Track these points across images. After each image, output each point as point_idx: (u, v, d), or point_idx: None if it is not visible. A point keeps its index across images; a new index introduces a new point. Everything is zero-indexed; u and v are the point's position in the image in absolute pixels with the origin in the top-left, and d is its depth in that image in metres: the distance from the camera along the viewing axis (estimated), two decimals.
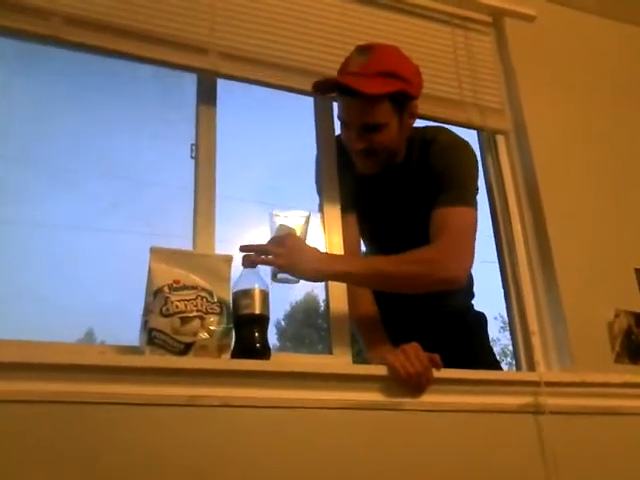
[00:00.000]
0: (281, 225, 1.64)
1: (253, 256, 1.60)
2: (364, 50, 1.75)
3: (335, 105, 1.90)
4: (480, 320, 2.12)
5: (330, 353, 1.72)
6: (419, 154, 1.86)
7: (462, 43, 2.23)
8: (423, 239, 1.75)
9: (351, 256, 1.83)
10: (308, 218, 1.70)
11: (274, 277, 1.63)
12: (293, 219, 1.66)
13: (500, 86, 2.26)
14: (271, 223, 1.65)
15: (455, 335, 1.97)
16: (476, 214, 1.79)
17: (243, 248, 1.61)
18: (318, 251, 1.68)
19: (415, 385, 1.56)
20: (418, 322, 1.94)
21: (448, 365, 1.62)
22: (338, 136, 1.94)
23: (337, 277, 1.70)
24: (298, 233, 1.65)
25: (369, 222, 1.98)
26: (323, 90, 1.81)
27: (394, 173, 1.87)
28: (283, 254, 1.59)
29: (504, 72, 2.29)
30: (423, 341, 1.62)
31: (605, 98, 2.37)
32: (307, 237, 1.68)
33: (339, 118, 1.82)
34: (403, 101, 1.75)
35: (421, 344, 1.60)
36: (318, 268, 1.62)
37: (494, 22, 2.34)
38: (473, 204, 1.79)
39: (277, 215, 1.65)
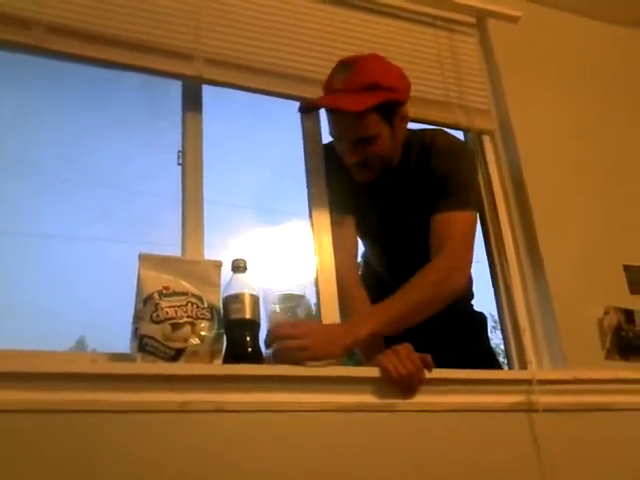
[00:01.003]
0: (275, 311, 1.59)
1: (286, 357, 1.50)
2: (346, 65, 1.76)
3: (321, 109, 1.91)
4: (481, 320, 2.13)
5: None
6: (418, 158, 1.87)
7: (446, 45, 2.24)
8: (423, 239, 1.77)
9: (363, 313, 1.71)
10: (302, 298, 1.65)
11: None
12: (288, 300, 1.61)
13: (485, 87, 2.27)
14: (265, 305, 1.60)
15: (459, 336, 1.98)
16: (476, 216, 1.82)
17: (271, 341, 1.53)
18: (332, 325, 1.67)
19: (407, 386, 1.56)
20: (422, 324, 1.95)
21: (453, 366, 1.63)
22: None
23: (366, 340, 1.63)
24: (294, 314, 1.60)
25: (369, 224, 1.98)
26: (310, 109, 1.83)
27: (392, 176, 1.88)
28: (307, 345, 1.50)
29: (489, 73, 2.31)
30: (427, 343, 1.62)
31: (590, 97, 2.39)
32: (306, 317, 1.64)
33: (330, 134, 1.83)
34: (391, 109, 1.76)
35: (425, 346, 1.60)
36: (345, 344, 1.56)
37: (478, 23, 2.36)
38: (473, 207, 1.81)
39: (271, 297, 1.60)
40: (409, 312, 1.63)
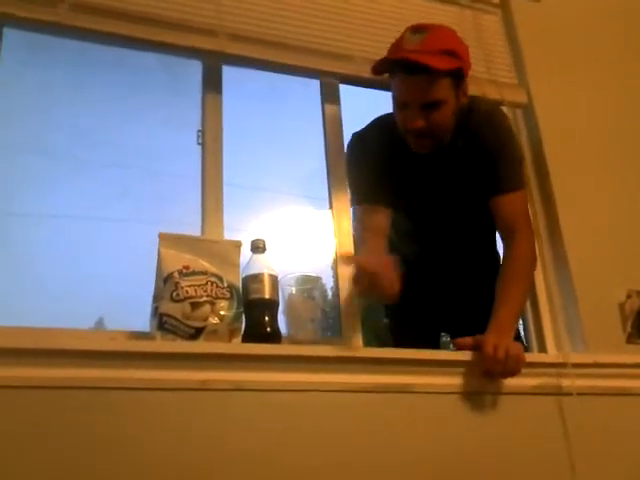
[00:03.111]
0: (291, 293, 1.59)
1: None
2: (419, 29, 1.72)
3: (342, 89, 1.91)
4: None
5: (340, 336, 1.72)
6: (460, 124, 1.83)
7: (470, 23, 2.21)
8: (468, 213, 1.90)
9: (499, 325, 1.67)
10: (319, 280, 1.64)
11: None
12: (304, 282, 1.61)
13: (510, 62, 2.24)
14: (281, 291, 1.59)
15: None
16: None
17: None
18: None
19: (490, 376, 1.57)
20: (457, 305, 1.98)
21: None
22: (374, 121, 1.92)
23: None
24: (311, 295, 1.60)
25: (412, 200, 1.93)
26: (379, 70, 1.77)
27: (441, 152, 1.84)
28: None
29: (512, 51, 2.27)
30: (462, 324, 1.68)
31: (613, 75, 2.35)
32: (322, 299, 1.63)
33: (395, 99, 1.77)
34: (460, 79, 1.74)
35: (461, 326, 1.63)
36: None
37: (501, 2, 2.32)
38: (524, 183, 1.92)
39: (288, 279, 1.61)
40: (525, 301, 1.83)
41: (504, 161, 1.82)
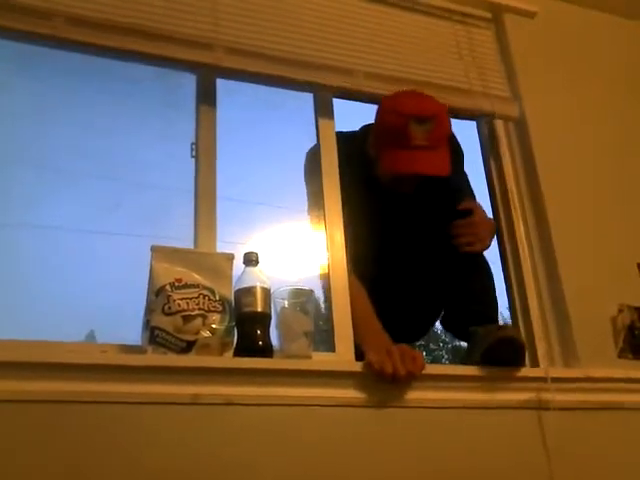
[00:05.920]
0: (284, 307, 1.60)
1: None
2: (422, 119, 1.80)
3: (336, 102, 1.94)
4: None
5: (333, 351, 1.71)
6: None
7: (464, 37, 2.23)
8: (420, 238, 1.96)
9: None
10: (311, 293, 1.64)
11: None
12: (297, 296, 1.62)
13: (503, 77, 2.25)
14: (274, 304, 1.59)
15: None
16: None
17: None
18: None
19: (391, 381, 1.55)
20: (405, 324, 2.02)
21: None
22: (342, 142, 1.96)
23: None
24: (303, 308, 1.60)
25: (372, 222, 1.98)
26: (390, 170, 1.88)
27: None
28: None
29: (505, 66, 2.27)
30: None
31: (605, 91, 2.36)
32: (313, 312, 1.62)
33: (394, 174, 1.87)
34: None
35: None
36: None
37: (494, 18, 2.34)
38: None
39: (280, 292, 1.61)
40: None
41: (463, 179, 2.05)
